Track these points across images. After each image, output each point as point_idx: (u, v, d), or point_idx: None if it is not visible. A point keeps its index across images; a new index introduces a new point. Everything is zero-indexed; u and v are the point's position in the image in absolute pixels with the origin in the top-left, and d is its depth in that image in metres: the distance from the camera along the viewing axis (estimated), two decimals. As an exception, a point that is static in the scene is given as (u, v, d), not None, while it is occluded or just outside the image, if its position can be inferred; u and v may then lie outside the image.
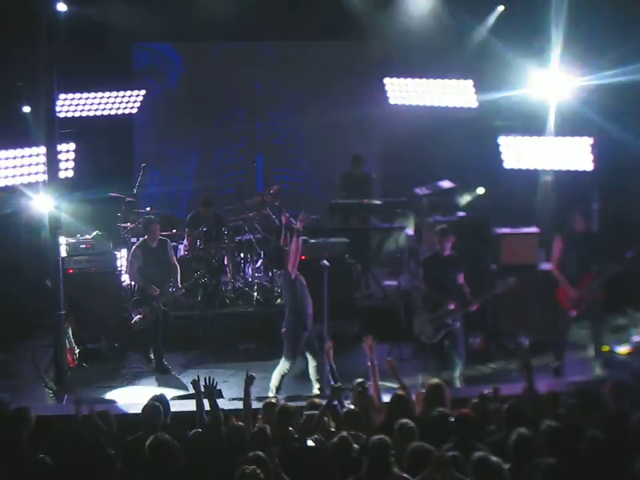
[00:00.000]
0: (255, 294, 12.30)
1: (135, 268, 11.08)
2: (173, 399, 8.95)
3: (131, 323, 10.97)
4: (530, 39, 12.36)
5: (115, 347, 11.44)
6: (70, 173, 12.05)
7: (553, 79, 12.19)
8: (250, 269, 12.63)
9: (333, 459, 6.63)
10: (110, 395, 10.23)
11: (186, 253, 12.32)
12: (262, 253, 12.59)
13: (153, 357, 11.03)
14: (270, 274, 12.53)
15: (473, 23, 13.61)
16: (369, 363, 8.26)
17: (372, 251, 13.15)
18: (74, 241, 11.69)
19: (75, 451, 7.00)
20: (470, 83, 13.28)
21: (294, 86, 15.27)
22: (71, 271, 11.38)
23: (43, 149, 11.01)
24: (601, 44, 11.63)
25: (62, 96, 12.65)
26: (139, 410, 7.63)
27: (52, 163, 10.52)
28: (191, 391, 8.50)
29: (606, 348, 10.82)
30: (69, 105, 13.15)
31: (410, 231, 12.80)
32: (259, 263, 12.68)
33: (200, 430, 7.17)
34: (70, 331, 10.84)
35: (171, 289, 11.23)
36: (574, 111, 12.00)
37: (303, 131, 15.38)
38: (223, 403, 7.70)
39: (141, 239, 11.48)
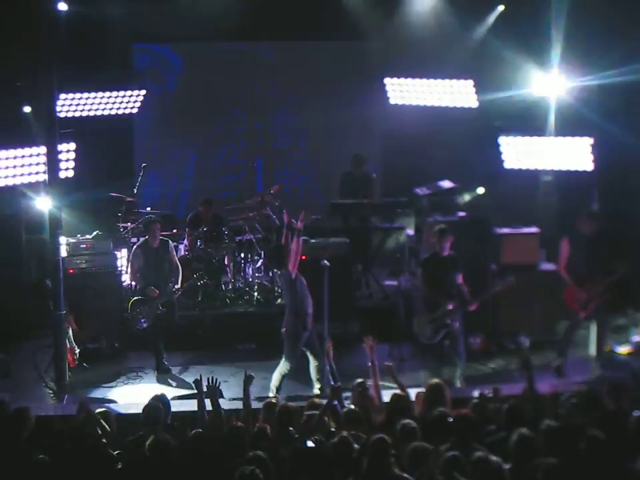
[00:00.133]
0: (255, 294, 12.30)
1: (135, 268, 11.08)
2: (174, 398, 8.95)
3: (133, 324, 10.98)
4: (530, 38, 12.36)
5: (115, 347, 11.45)
6: (70, 173, 12.04)
7: (552, 79, 12.21)
8: (250, 269, 12.63)
9: (333, 459, 6.63)
10: (110, 395, 10.23)
11: (186, 253, 12.32)
12: (262, 252, 12.59)
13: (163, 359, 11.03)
14: (270, 274, 12.53)
15: (473, 23, 13.62)
16: (369, 363, 8.26)
17: (372, 251, 13.15)
18: (74, 241, 11.70)
19: (75, 451, 7.01)
20: (470, 82, 13.28)
21: (294, 87, 15.24)
22: (71, 271, 11.37)
23: (43, 149, 11.01)
24: (601, 44, 11.63)
25: (62, 96, 12.64)
26: (139, 410, 7.62)
27: (52, 162, 10.51)
28: (192, 390, 8.51)
29: (607, 348, 10.82)
30: (69, 105, 13.14)
31: (410, 230, 12.79)
32: (259, 263, 12.68)
33: (200, 430, 7.17)
34: (70, 331, 10.84)
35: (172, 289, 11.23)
36: (574, 111, 12.00)
37: (303, 131, 15.37)
38: (223, 403, 7.69)
39: (141, 238, 11.50)
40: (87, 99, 13.32)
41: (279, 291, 12.07)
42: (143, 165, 13.00)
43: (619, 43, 11.39)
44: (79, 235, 11.86)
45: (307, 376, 9.93)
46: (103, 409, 7.83)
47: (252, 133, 15.46)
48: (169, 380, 10.70)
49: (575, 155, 11.72)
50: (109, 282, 11.66)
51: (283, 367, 9.82)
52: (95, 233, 11.90)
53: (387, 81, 14.10)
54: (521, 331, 11.32)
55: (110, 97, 13.57)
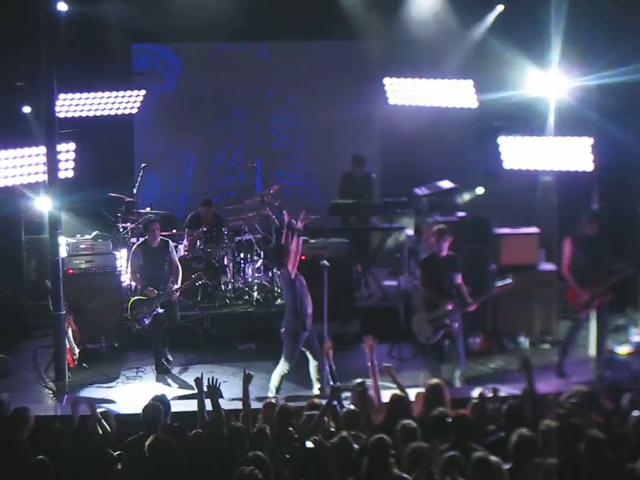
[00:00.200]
0: (255, 294, 12.30)
1: (135, 268, 11.08)
2: (174, 398, 8.95)
3: (134, 324, 10.98)
4: (529, 38, 12.36)
5: (115, 347, 11.45)
6: (70, 173, 12.02)
7: (552, 79, 12.19)
8: (250, 269, 12.63)
9: (333, 459, 6.63)
10: (110, 395, 10.22)
11: (186, 253, 12.32)
12: (262, 253, 12.59)
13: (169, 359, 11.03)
14: (270, 274, 12.54)
15: (472, 23, 13.62)
16: (369, 363, 8.26)
17: (372, 251, 13.15)
18: (74, 241, 11.70)
19: (75, 451, 7.00)
20: (470, 82, 13.26)
21: (293, 87, 15.24)
22: (70, 271, 11.39)
23: (43, 149, 10.99)
24: (601, 44, 11.63)
25: (62, 96, 12.62)
26: (139, 410, 7.62)
27: (52, 162, 10.51)
28: (192, 390, 8.51)
29: (607, 348, 10.81)
30: (69, 105, 13.12)
31: (410, 231, 12.79)
32: (258, 263, 12.68)
33: (200, 430, 7.17)
34: (70, 331, 10.84)
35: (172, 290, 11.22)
36: (574, 111, 12.00)
37: (302, 132, 15.36)
38: (223, 403, 7.68)
39: (141, 238, 11.50)
40: (86, 99, 13.30)
41: (279, 290, 12.08)
42: (143, 165, 12.98)
43: (619, 43, 11.38)
44: (78, 235, 11.87)
45: (307, 376, 9.93)
46: (103, 409, 7.83)
47: (251, 134, 15.45)
48: (169, 380, 10.69)
49: (574, 155, 11.70)
50: (108, 282, 11.66)
51: (282, 367, 9.82)
52: (94, 233, 11.90)
53: (386, 81, 14.08)
54: (521, 331, 11.36)
55: (109, 97, 13.54)
